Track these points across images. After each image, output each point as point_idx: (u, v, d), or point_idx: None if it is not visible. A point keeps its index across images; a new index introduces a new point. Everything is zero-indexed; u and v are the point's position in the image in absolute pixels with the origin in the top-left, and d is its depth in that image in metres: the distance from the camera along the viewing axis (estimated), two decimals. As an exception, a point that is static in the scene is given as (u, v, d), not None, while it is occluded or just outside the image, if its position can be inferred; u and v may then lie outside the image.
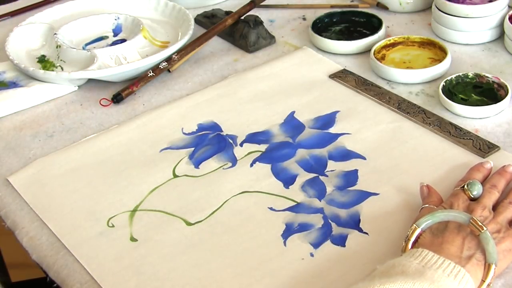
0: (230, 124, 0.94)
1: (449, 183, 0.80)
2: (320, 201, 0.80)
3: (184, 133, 0.93)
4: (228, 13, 1.18)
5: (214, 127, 0.94)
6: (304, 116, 0.94)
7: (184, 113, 0.97)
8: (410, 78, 0.99)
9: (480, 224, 0.67)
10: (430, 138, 0.88)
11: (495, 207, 0.73)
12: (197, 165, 0.88)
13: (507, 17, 1.04)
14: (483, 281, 0.65)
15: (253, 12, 1.15)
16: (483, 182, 0.77)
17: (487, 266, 0.66)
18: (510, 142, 0.86)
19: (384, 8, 1.17)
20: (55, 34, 1.12)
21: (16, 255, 0.93)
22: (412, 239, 0.69)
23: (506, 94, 0.91)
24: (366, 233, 0.75)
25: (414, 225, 0.70)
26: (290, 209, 0.80)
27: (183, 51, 1.07)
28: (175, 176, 0.86)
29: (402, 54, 1.04)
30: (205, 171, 0.87)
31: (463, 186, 0.75)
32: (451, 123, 0.90)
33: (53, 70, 1.07)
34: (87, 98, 1.04)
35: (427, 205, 0.74)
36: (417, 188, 0.79)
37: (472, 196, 0.74)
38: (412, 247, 0.69)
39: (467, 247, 0.67)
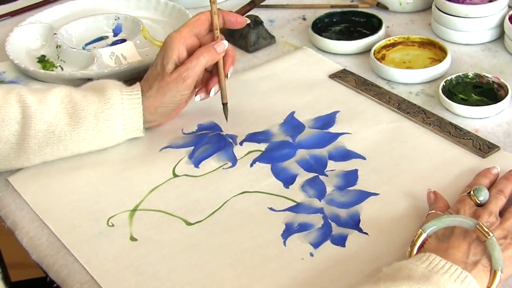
0: (230, 124, 0.94)
1: (449, 183, 0.80)
2: (320, 201, 0.80)
3: (184, 133, 0.93)
4: (228, 13, 1.18)
5: (214, 127, 0.94)
6: (304, 116, 0.94)
7: (184, 113, 0.97)
8: (410, 78, 0.99)
9: (486, 230, 0.67)
10: (430, 138, 0.88)
11: (501, 213, 0.72)
12: (197, 165, 0.88)
13: (507, 17, 1.04)
14: (488, 287, 0.65)
15: (253, 12, 1.15)
16: (490, 187, 0.76)
17: (492, 273, 0.65)
18: (510, 142, 0.86)
19: (384, 8, 1.17)
20: (55, 34, 1.12)
21: (16, 255, 0.92)
22: (418, 244, 0.68)
23: (506, 94, 0.91)
24: (366, 233, 0.75)
25: (420, 230, 0.69)
26: (290, 209, 0.80)
27: (183, 51, 1.07)
28: (175, 175, 0.86)
29: (402, 54, 1.04)
30: (205, 171, 0.87)
31: (470, 192, 0.74)
32: (451, 123, 0.90)
33: (53, 70, 1.07)
34: (87, 98, 1.04)
35: (433, 211, 0.73)
36: (417, 188, 0.79)
37: (479, 202, 0.73)
38: (417, 252, 0.68)
39: (473, 252, 0.66)
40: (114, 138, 0.89)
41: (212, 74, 0.93)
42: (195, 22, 0.91)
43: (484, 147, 0.85)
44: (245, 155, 0.88)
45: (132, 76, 1.05)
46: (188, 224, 0.79)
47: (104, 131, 0.87)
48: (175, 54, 0.88)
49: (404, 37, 1.06)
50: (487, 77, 0.94)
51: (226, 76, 0.92)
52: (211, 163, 0.88)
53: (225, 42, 0.90)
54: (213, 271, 0.73)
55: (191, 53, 0.90)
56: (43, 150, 0.87)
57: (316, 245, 0.75)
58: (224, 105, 0.92)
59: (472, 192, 0.74)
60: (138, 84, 0.91)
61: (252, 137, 0.91)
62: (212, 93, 0.92)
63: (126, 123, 0.88)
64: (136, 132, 0.90)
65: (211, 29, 0.92)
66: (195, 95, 0.93)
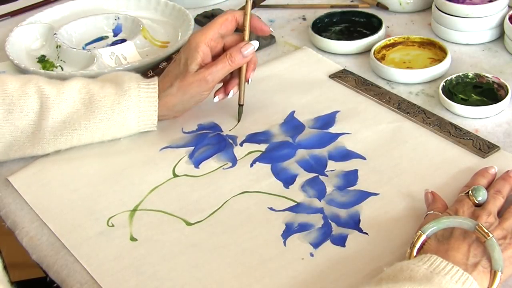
0: (230, 124, 0.94)
1: (449, 183, 0.80)
2: (320, 201, 0.80)
3: (184, 132, 0.93)
4: (228, 13, 1.18)
5: (214, 127, 0.94)
6: (304, 116, 0.94)
7: (184, 113, 0.97)
8: (410, 78, 0.99)
9: (486, 231, 0.67)
10: (430, 138, 0.88)
11: (500, 213, 0.72)
12: (197, 165, 0.88)
13: (507, 17, 1.04)
14: None
15: (253, 12, 1.14)
16: (488, 187, 0.76)
17: (492, 273, 0.65)
18: (510, 142, 0.86)
19: (384, 8, 1.17)
20: (55, 34, 1.12)
21: (16, 255, 0.92)
22: (418, 245, 0.68)
23: (506, 94, 0.91)
24: (366, 233, 0.75)
25: (420, 231, 0.69)
26: (290, 209, 0.80)
27: (183, 51, 1.07)
28: (175, 175, 0.86)
29: (402, 54, 1.04)
30: (205, 171, 0.87)
31: (468, 192, 0.74)
32: (451, 123, 0.90)
33: (53, 70, 1.08)
34: (87, 98, 1.04)
35: (432, 212, 0.73)
36: (417, 188, 0.79)
37: (477, 202, 0.73)
38: (417, 254, 0.68)
39: (473, 254, 0.66)
40: (127, 130, 0.91)
41: (232, 74, 0.93)
42: (221, 23, 0.90)
43: (484, 147, 0.85)
44: (245, 155, 0.88)
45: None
46: (188, 224, 0.79)
47: (119, 123, 0.89)
48: (200, 56, 0.89)
49: (404, 37, 1.06)
50: (487, 77, 0.94)
51: (247, 81, 0.92)
52: (211, 164, 0.88)
53: (255, 43, 0.90)
54: (213, 271, 0.73)
55: (215, 53, 0.90)
56: (57, 140, 0.88)
57: (316, 245, 0.75)
58: (240, 106, 0.94)
59: (470, 192, 0.74)
60: (156, 78, 0.92)
61: (252, 138, 0.91)
62: (230, 94, 0.93)
63: (140, 116, 0.90)
64: (149, 126, 0.91)
65: (236, 29, 0.92)
66: (214, 96, 0.93)
